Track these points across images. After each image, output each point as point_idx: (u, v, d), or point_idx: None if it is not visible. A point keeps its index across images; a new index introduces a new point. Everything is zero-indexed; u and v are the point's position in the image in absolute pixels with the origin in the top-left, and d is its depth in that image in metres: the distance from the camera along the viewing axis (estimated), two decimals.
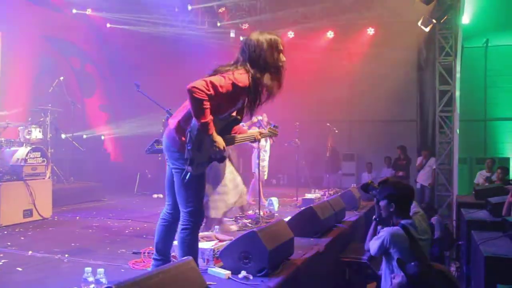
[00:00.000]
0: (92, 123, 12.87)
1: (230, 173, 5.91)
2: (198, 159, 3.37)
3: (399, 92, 13.07)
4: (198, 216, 3.50)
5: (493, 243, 4.74)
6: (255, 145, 8.35)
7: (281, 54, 3.54)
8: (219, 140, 3.36)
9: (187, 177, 3.41)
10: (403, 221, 4.07)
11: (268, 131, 4.40)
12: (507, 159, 13.41)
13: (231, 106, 3.48)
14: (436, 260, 7.69)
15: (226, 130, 3.63)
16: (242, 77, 3.37)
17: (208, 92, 3.20)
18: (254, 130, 4.14)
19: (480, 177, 11.91)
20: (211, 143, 3.33)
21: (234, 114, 3.68)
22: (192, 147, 3.32)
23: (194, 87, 3.17)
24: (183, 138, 3.39)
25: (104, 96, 13.68)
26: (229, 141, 3.65)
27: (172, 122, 3.48)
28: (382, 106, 13.14)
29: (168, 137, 3.47)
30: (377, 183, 4.35)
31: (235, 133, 3.80)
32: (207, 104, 3.20)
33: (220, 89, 3.26)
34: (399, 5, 11.28)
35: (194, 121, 3.34)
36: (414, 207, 4.40)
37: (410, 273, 3.83)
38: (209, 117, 3.24)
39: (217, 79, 3.26)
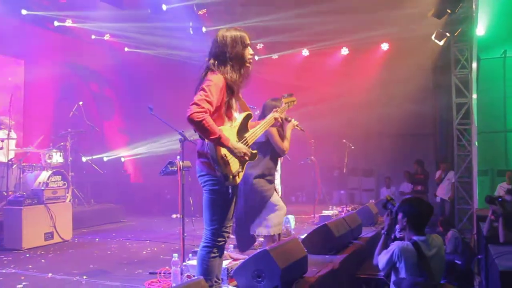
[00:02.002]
0: (112, 146, 13.02)
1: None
2: (230, 172, 3.37)
3: (415, 106, 12.99)
4: (219, 236, 3.49)
5: (509, 257, 4.67)
6: None
7: (246, 49, 3.54)
8: (239, 147, 3.35)
9: (216, 197, 3.44)
10: (415, 237, 4.06)
11: (285, 102, 4.25)
12: None
13: (224, 105, 3.45)
14: (462, 273, 7.60)
15: (245, 129, 3.62)
16: (215, 77, 3.37)
17: (203, 109, 3.19)
18: (269, 116, 3.98)
19: (500, 189, 11.68)
20: (232, 152, 3.32)
21: (236, 111, 3.66)
22: (218, 166, 3.32)
23: (190, 115, 3.17)
24: (205, 162, 3.41)
25: (123, 118, 13.84)
26: (250, 137, 3.63)
27: (198, 148, 3.50)
28: (399, 120, 13.05)
29: (196, 163, 3.50)
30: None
31: (252, 127, 3.76)
32: (209, 121, 3.19)
33: (211, 98, 3.26)
34: (412, 20, 11.24)
35: (206, 142, 3.35)
36: None
37: None
38: (218, 132, 3.22)
39: (201, 94, 3.25)
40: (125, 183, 12.90)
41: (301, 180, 11.65)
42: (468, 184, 11.79)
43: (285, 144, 5.07)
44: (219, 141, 3.24)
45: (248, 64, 3.58)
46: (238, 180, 3.47)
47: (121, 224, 9.72)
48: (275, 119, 3.93)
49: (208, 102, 3.24)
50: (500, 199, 6.23)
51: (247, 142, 3.57)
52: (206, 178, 3.44)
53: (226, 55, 3.46)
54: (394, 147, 13.45)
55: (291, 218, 7.69)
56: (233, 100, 3.56)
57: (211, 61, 3.49)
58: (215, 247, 3.49)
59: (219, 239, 3.50)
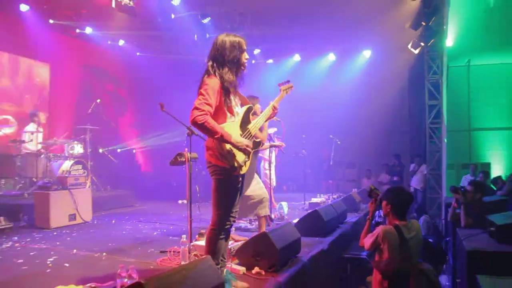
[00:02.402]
0: (124, 138, 13.03)
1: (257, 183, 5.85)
2: (238, 163, 3.38)
3: (393, 107, 13.11)
4: (226, 220, 3.49)
5: (474, 239, 4.75)
6: (266, 156, 8.40)
7: (243, 54, 3.52)
8: (240, 141, 3.35)
9: (223, 185, 3.45)
10: (397, 222, 4.12)
11: (283, 90, 4.01)
12: (488, 164, 13.41)
13: (224, 104, 3.44)
14: (435, 252, 7.70)
15: (247, 122, 3.60)
16: (211, 80, 3.37)
17: (204, 112, 3.21)
18: (268, 107, 3.84)
19: (465, 180, 11.83)
20: (236, 146, 3.33)
21: (237, 106, 3.63)
22: (226, 159, 3.34)
23: (193, 118, 3.19)
24: (213, 154, 3.41)
25: (135, 115, 13.86)
26: (253, 128, 3.61)
27: (206, 143, 3.49)
28: (379, 119, 13.15)
29: (205, 156, 3.50)
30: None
31: (253, 119, 3.72)
32: (210, 122, 3.21)
33: (210, 101, 3.27)
34: (392, 30, 11.31)
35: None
36: None
37: (382, 268, 3.90)
38: (220, 130, 3.24)
39: (200, 98, 3.27)
40: (136, 172, 12.93)
41: (292, 171, 11.69)
42: (438, 176, 11.94)
43: (263, 135, 4.90)
44: (222, 139, 3.26)
45: (243, 68, 3.55)
46: (245, 169, 3.48)
47: (133, 208, 9.73)
48: (273, 108, 3.84)
49: (207, 104, 3.26)
50: (462, 189, 6.35)
51: (250, 133, 3.56)
52: (213, 168, 3.45)
53: (224, 58, 3.43)
54: (374, 142, 13.53)
55: (284, 204, 7.74)
56: (232, 98, 3.53)
57: (210, 63, 3.47)
58: (222, 230, 3.50)
59: (226, 222, 3.50)
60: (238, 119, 3.54)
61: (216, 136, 3.24)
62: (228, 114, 3.49)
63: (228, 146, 3.33)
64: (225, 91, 3.42)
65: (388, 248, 3.97)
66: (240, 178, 3.52)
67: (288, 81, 4.06)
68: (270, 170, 7.86)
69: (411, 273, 3.86)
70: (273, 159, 8.44)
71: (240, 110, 3.62)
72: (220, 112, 3.43)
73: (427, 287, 3.85)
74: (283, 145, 7.32)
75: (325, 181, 13.07)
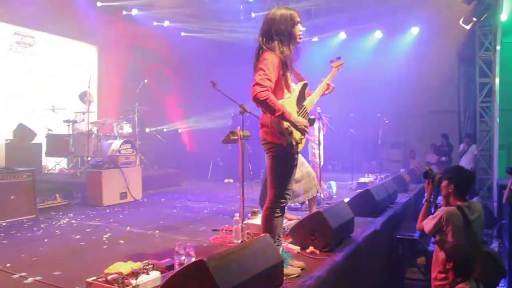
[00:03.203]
0: (170, 119, 13.16)
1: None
2: (296, 140, 3.31)
3: (442, 85, 12.68)
4: (282, 198, 3.42)
5: None
6: (310, 137, 8.28)
7: (296, 26, 3.38)
8: (300, 121, 3.25)
9: (279, 163, 3.38)
10: (459, 203, 3.94)
11: (335, 67, 3.88)
12: None
13: (282, 80, 3.34)
14: None
15: (302, 98, 3.50)
16: (270, 55, 3.25)
17: (266, 88, 3.12)
18: (321, 83, 3.70)
19: None
20: (295, 126, 3.24)
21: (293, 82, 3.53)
22: (284, 136, 3.26)
23: (255, 95, 3.11)
24: (268, 131, 3.33)
25: (180, 95, 13.94)
26: (309, 106, 3.52)
27: (261, 120, 3.42)
28: (427, 98, 12.75)
29: (260, 133, 3.43)
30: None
31: (309, 95, 3.61)
32: (272, 99, 3.13)
33: (270, 76, 3.17)
34: (442, 5, 10.85)
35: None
36: None
37: (447, 248, 3.72)
38: (281, 108, 3.16)
39: (261, 74, 3.16)
40: (182, 151, 13.04)
41: (338, 150, 11.51)
42: (489, 157, 11.47)
43: None
44: (283, 116, 3.17)
45: (298, 40, 3.43)
46: (301, 146, 3.41)
47: (181, 187, 9.84)
48: (327, 84, 3.71)
49: (269, 80, 3.16)
50: None
51: (305, 110, 3.47)
52: (269, 145, 3.37)
53: (276, 31, 3.32)
54: (421, 122, 13.16)
55: (333, 184, 7.63)
56: (289, 73, 3.43)
57: (261, 38, 3.37)
58: (278, 207, 3.43)
59: (282, 200, 3.43)
60: (294, 95, 3.44)
61: (277, 114, 3.15)
62: (285, 90, 3.40)
63: (286, 123, 3.24)
64: (283, 66, 3.32)
65: (452, 231, 3.80)
66: (296, 156, 3.43)
67: (339, 58, 3.93)
68: (318, 149, 7.73)
69: (476, 256, 3.68)
70: (321, 138, 8.31)
71: (295, 86, 3.52)
72: (278, 88, 3.33)
73: (493, 270, 3.66)
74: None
75: (367, 162, 12.83)
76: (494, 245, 8.00)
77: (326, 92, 3.78)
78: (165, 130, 12.41)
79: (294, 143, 3.30)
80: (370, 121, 11.67)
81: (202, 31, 12.70)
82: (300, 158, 5.59)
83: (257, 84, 3.13)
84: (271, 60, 3.23)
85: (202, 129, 12.79)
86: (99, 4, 10.53)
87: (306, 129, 3.30)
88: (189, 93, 13.26)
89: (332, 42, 13.70)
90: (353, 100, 12.47)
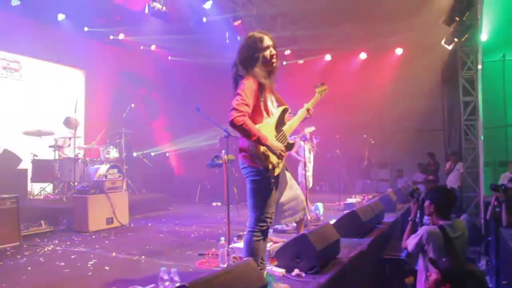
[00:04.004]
0: (158, 142, 13.15)
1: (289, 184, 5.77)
2: (272, 164, 3.33)
3: (427, 104, 12.82)
4: (262, 221, 3.44)
5: None
6: (300, 159, 8.33)
7: (267, 50, 3.42)
8: (276, 145, 3.29)
9: (258, 186, 3.40)
10: (441, 222, 3.98)
11: (318, 92, 3.90)
12: None
13: (260, 103, 3.39)
14: None
15: (282, 123, 3.54)
16: (248, 81, 3.30)
17: (242, 113, 3.16)
18: (302, 109, 3.74)
19: (504, 178, 11.48)
20: (271, 150, 3.27)
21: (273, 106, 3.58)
22: (260, 160, 3.29)
23: (232, 120, 3.15)
24: (246, 155, 3.36)
25: (168, 118, 13.97)
26: (288, 130, 3.56)
27: (239, 144, 3.43)
28: (412, 117, 12.86)
29: (239, 157, 3.46)
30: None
31: (288, 120, 3.65)
32: (248, 124, 3.17)
33: (247, 101, 3.22)
34: (424, 26, 11.07)
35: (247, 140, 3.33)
36: None
37: (443, 268, 3.72)
38: (257, 133, 3.19)
39: (238, 99, 3.21)
40: (170, 175, 12.98)
41: (325, 172, 11.55)
42: (475, 174, 11.58)
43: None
44: (259, 141, 3.21)
45: (271, 64, 3.47)
46: (278, 170, 3.42)
47: (168, 211, 9.77)
48: (307, 110, 3.76)
49: (245, 105, 3.21)
50: (503, 187, 6.08)
51: (284, 134, 3.50)
52: (248, 170, 3.40)
53: (249, 56, 3.39)
54: (407, 141, 13.27)
55: (320, 205, 7.63)
56: (267, 97, 3.48)
57: (236, 64, 3.44)
58: (259, 231, 3.46)
59: (262, 224, 3.45)
60: (273, 120, 3.49)
61: (253, 138, 3.20)
62: (265, 114, 3.44)
63: (262, 147, 3.28)
64: (261, 89, 3.37)
65: (433, 249, 3.82)
66: (273, 180, 3.44)
67: (323, 83, 3.97)
68: (306, 171, 7.78)
69: (461, 273, 3.70)
70: (311, 159, 8.38)
71: (275, 111, 3.57)
72: (257, 112, 3.39)
73: None
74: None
75: (361, 180, 12.89)
76: (482, 262, 8.02)
77: (306, 118, 3.82)
78: (152, 154, 12.38)
79: (270, 167, 3.33)
80: (356, 142, 11.77)
81: (189, 56, 12.81)
82: (290, 180, 5.60)
83: (234, 109, 3.18)
84: (248, 85, 3.28)
85: (190, 152, 12.79)
86: (86, 29, 10.59)
87: (282, 153, 3.33)
88: (176, 117, 13.29)
89: (317, 65, 13.88)
90: (339, 121, 12.58)
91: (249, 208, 3.49)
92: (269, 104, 3.50)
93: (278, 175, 3.51)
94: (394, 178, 13.84)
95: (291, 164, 9.30)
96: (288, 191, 5.45)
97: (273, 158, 3.35)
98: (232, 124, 3.16)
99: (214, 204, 10.44)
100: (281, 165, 3.45)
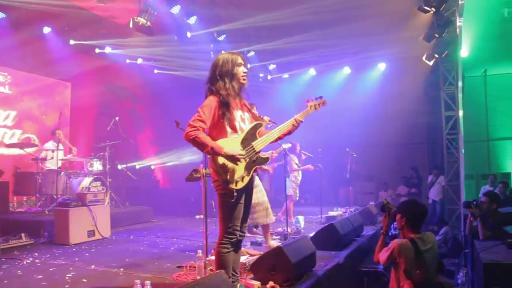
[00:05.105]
0: (143, 155, 13.17)
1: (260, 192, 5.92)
2: (232, 177, 3.40)
3: (410, 118, 12.95)
4: (231, 234, 3.52)
5: (491, 251, 4.65)
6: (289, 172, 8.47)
7: (239, 68, 3.56)
8: (233, 153, 3.33)
9: (225, 199, 3.47)
10: (412, 235, 4.06)
11: (309, 106, 3.87)
12: (508, 174, 13.21)
13: (223, 119, 3.48)
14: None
15: (252, 137, 3.58)
16: (208, 98, 3.46)
17: (195, 128, 3.29)
18: (289, 120, 3.74)
19: (483, 191, 11.65)
20: (228, 158, 3.34)
21: (244, 123, 3.65)
22: (219, 174, 3.39)
23: (185, 134, 3.31)
24: (214, 169, 3.47)
25: (153, 131, 13.99)
26: (259, 144, 3.58)
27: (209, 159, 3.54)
28: (396, 131, 12.98)
29: (211, 171, 3.56)
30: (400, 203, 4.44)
31: (262, 134, 3.68)
32: (201, 137, 3.27)
33: (203, 117, 3.34)
34: (406, 43, 11.27)
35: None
36: None
37: (415, 279, 3.82)
38: (210, 144, 3.29)
39: (195, 116, 3.35)
40: (155, 188, 13.00)
41: (309, 185, 11.62)
42: (456, 187, 11.77)
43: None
44: (214, 151, 3.31)
45: (241, 82, 3.61)
46: (242, 184, 3.46)
47: (151, 223, 9.75)
48: (293, 123, 3.75)
49: (200, 120, 3.33)
50: (475, 202, 6.20)
51: (253, 148, 3.55)
52: (216, 183, 3.51)
53: (217, 74, 3.52)
54: (392, 155, 13.41)
55: (301, 218, 7.70)
56: (235, 113, 3.56)
57: (207, 82, 3.58)
58: (228, 243, 3.54)
59: (231, 236, 3.54)
60: (241, 135, 3.56)
61: (206, 150, 3.30)
62: (229, 130, 3.52)
63: (221, 160, 3.37)
64: (223, 105, 3.46)
65: (404, 262, 3.90)
66: (237, 193, 3.46)
67: (320, 97, 3.96)
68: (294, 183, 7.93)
69: (430, 286, 3.79)
70: (299, 173, 8.52)
71: (246, 126, 3.63)
72: (220, 129, 3.50)
73: None
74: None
75: (344, 193, 12.98)
76: (461, 274, 8.13)
77: (291, 131, 3.80)
78: (137, 166, 12.40)
79: (229, 179, 3.39)
80: (340, 155, 11.87)
81: (175, 69, 12.88)
82: (259, 186, 5.71)
83: (188, 125, 3.33)
84: (208, 103, 3.43)
85: (175, 165, 12.80)
86: (72, 42, 10.61)
87: (240, 161, 3.38)
88: (162, 130, 13.32)
89: (302, 79, 14.02)
90: (323, 134, 12.69)
91: (219, 221, 3.58)
92: (238, 121, 3.58)
93: (248, 189, 3.58)
94: (379, 191, 13.96)
95: (281, 176, 9.36)
96: (257, 195, 5.60)
97: (237, 172, 3.42)
98: (186, 138, 3.31)
99: (197, 217, 10.44)
100: (246, 179, 3.50)
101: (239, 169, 3.44)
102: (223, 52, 3.71)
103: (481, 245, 4.97)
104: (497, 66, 13.60)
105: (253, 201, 5.40)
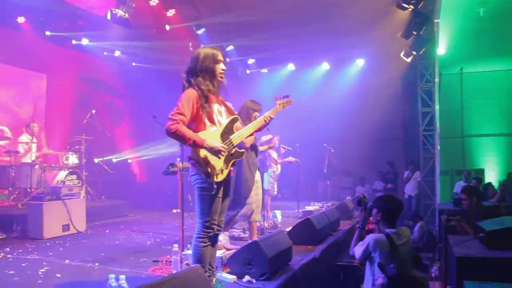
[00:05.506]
0: (120, 148, 13.01)
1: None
2: (212, 170, 3.42)
3: (387, 114, 13.07)
4: (209, 228, 3.52)
5: (464, 245, 4.73)
6: (269, 167, 8.48)
7: (217, 64, 3.59)
8: (214, 145, 3.38)
9: (204, 193, 3.48)
10: (387, 230, 4.11)
11: (279, 104, 3.99)
12: (482, 170, 13.48)
13: (202, 113, 3.50)
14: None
15: (230, 131, 3.63)
16: (187, 91, 3.46)
17: (176, 121, 3.30)
18: (260, 117, 3.87)
19: (458, 186, 11.86)
20: (209, 151, 3.37)
21: (222, 117, 3.69)
22: (199, 164, 3.40)
23: (166, 128, 3.32)
24: (193, 163, 3.47)
25: (131, 124, 13.83)
26: (236, 138, 3.62)
27: (188, 153, 3.57)
28: (374, 126, 13.08)
29: (189, 165, 3.57)
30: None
31: (238, 129, 3.74)
32: (182, 130, 3.29)
33: (183, 110, 3.35)
34: (384, 39, 11.39)
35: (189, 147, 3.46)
36: None
37: (390, 274, 3.87)
38: (191, 136, 3.32)
39: (174, 109, 3.36)
40: (131, 181, 12.88)
41: (287, 180, 11.66)
42: (431, 183, 11.96)
43: (248, 139, 4.82)
44: (195, 144, 3.34)
45: (219, 78, 3.63)
46: (221, 177, 3.50)
47: (127, 218, 9.67)
48: (264, 120, 3.87)
49: (180, 114, 3.35)
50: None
51: (231, 142, 3.59)
52: (195, 177, 3.52)
53: (197, 68, 3.52)
54: (369, 150, 13.51)
55: (278, 213, 7.72)
56: (213, 107, 3.60)
57: (184, 75, 3.58)
58: (206, 237, 3.55)
59: (209, 230, 3.54)
60: (220, 129, 3.60)
61: (188, 143, 3.33)
62: (208, 123, 3.55)
63: (203, 153, 3.39)
64: (203, 99, 3.48)
65: (379, 256, 3.94)
66: (216, 186, 3.50)
67: (287, 96, 4.05)
68: (273, 178, 7.94)
69: (406, 279, 3.85)
70: (279, 168, 8.53)
71: (224, 120, 3.68)
72: (199, 121, 3.51)
73: None
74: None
75: (322, 187, 13.07)
76: (435, 268, 8.27)
77: (262, 127, 3.92)
78: (114, 160, 12.25)
79: (211, 172, 3.42)
80: (318, 150, 11.93)
81: (154, 62, 12.75)
82: (259, 182, 5.69)
83: (169, 118, 3.34)
84: (187, 96, 3.43)
85: (152, 158, 12.69)
86: (48, 33, 10.39)
87: (221, 150, 3.41)
88: (139, 123, 13.18)
89: (281, 74, 14.05)
90: (301, 129, 12.73)
91: (197, 215, 3.57)
92: (215, 114, 3.61)
93: (225, 183, 3.59)
94: (356, 186, 14.08)
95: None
96: (256, 191, 5.60)
97: (217, 164, 3.45)
98: (167, 132, 3.32)
99: (174, 211, 10.38)
100: (225, 171, 3.52)
101: (219, 162, 3.46)
102: (203, 46, 3.71)
103: (454, 240, 5.06)
104: (473, 64, 13.85)
105: (251, 198, 5.46)
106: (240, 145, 3.71)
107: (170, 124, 3.30)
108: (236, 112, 4.38)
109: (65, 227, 7.20)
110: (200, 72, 3.53)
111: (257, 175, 5.63)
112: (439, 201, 11.53)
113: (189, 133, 3.34)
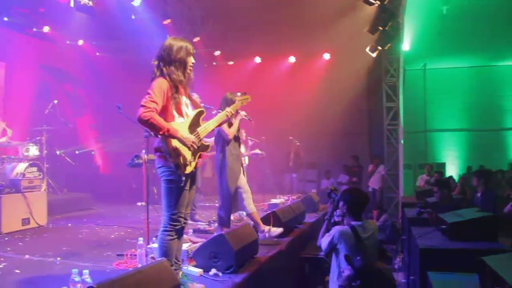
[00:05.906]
0: (83, 140, 12.73)
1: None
2: (184, 161, 3.42)
3: (352, 108, 13.25)
4: (175, 221, 3.51)
5: (427, 237, 4.88)
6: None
7: (189, 57, 3.59)
8: (188, 136, 3.41)
9: (171, 185, 3.47)
10: (353, 222, 4.19)
11: (238, 100, 4.31)
12: (443, 164, 13.89)
13: (171, 103, 3.49)
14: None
15: (196, 124, 3.65)
16: (158, 80, 3.44)
17: (150, 109, 3.26)
18: (222, 112, 3.99)
19: (421, 180, 12.24)
20: (182, 142, 3.38)
21: (188, 109, 3.70)
22: (171, 156, 3.38)
23: (139, 116, 3.25)
24: (161, 155, 3.45)
25: (94, 115, 13.52)
26: (202, 131, 3.66)
27: (154, 145, 3.54)
28: (339, 120, 13.23)
29: (155, 157, 3.54)
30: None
31: (204, 123, 3.77)
32: (156, 118, 3.27)
33: (155, 98, 3.32)
34: (351, 34, 11.52)
35: (159, 137, 3.43)
36: None
37: (357, 266, 3.95)
38: (166, 126, 3.31)
39: (146, 97, 3.32)
40: (95, 174, 12.64)
41: (252, 172, 11.69)
42: (395, 176, 12.22)
43: (230, 130, 5.35)
44: (169, 133, 3.32)
45: (189, 71, 3.63)
46: (190, 169, 3.51)
47: (91, 211, 9.49)
48: (227, 114, 3.96)
49: (153, 101, 3.31)
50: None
51: (199, 135, 3.61)
52: (162, 169, 3.50)
53: (171, 58, 3.50)
54: (334, 143, 13.67)
55: None
56: (182, 99, 3.60)
57: (156, 62, 3.54)
58: (173, 230, 3.53)
59: (176, 223, 3.53)
60: (188, 120, 3.60)
61: (162, 132, 3.30)
62: (176, 115, 3.55)
63: (174, 143, 3.39)
64: (173, 89, 3.47)
65: (345, 248, 4.02)
66: (185, 178, 3.50)
67: (245, 93, 4.31)
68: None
69: (369, 272, 3.93)
70: (246, 160, 8.52)
71: (191, 112, 3.68)
72: (167, 112, 3.49)
73: (384, 285, 3.93)
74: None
75: (287, 180, 13.16)
76: (398, 259, 8.50)
77: (225, 121, 4.12)
78: (77, 152, 11.97)
79: (181, 163, 3.42)
80: (284, 143, 12.00)
81: (118, 53, 12.50)
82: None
83: (141, 106, 3.28)
84: (158, 85, 3.40)
85: (116, 150, 12.46)
86: (6, 19, 9.96)
87: (194, 145, 3.44)
88: (102, 114, 12.91)
89: (247, 66, 14.02)
90: (267, 122, 12.75)
91: (163, 208, 3.55)
92: (183, 106, 3.61)
93: (192, 175, 3.58)
94: (322, 179, 14.25)
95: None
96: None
97: (186, 155, 3.44)
98: (140, 120, 3.26)
99: (139, 204, 10.22)
100: (193, 164, 3.53)
101: (189, 154, 3.47)
102: (173, 37, 3.67)
103: (417, 232, 5.21)
104: (436, 60, 14.22)
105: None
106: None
107: (143, 111, 3.25)
108: (212, 106, 4.47)
109: (25, 221, 7.01)
110: (174, 62, 3.51)
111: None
112: (402, 194, 11.81)
113: (163, 122, 3.32)
